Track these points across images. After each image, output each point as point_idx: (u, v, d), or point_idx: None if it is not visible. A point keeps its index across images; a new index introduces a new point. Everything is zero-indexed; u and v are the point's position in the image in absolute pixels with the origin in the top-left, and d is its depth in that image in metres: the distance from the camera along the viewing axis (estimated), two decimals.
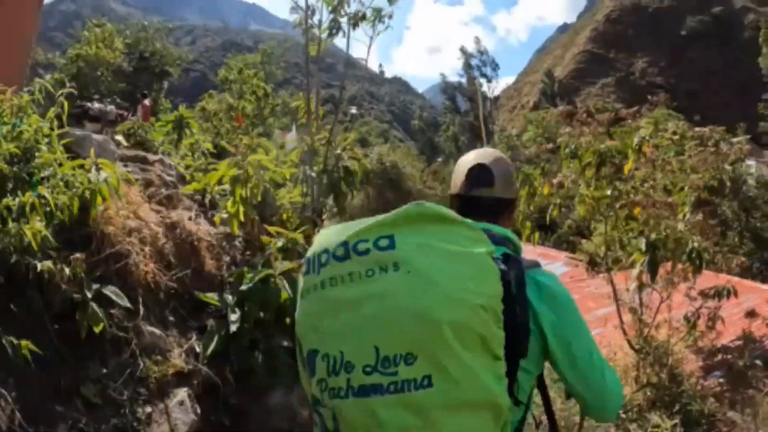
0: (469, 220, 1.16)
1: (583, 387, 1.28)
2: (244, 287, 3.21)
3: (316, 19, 4.68)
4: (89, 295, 2.62)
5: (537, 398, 1.45)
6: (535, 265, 1.31)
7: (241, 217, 3.60)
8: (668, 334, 5.06)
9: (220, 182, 3.82)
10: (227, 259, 3.72)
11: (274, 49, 27.70)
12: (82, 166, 2.94)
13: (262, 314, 3.18)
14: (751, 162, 15.21)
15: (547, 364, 1.33)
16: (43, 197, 2.60)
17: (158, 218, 3.47)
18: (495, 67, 68.91)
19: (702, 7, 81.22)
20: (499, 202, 1.44)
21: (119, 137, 5.58)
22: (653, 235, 4.72)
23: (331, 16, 4.68)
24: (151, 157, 4.34)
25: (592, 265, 5.53)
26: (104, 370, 2.59)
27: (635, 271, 4.78)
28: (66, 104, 3.06)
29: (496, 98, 71.50)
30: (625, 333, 5.09)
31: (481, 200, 1.42)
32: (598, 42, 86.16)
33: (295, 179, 4.40)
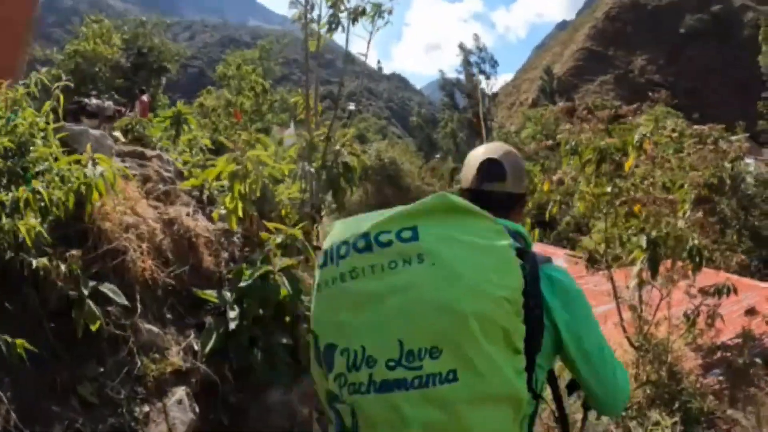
0: (489, 214, 1.15)
1: (595, 382, 1.27)
2: (242, 284, 3.17)
3: (315, 13, 4.65)
4: (86, 292, 2.58)
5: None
6: (548, 260, 1.29)
7: (240, 213, 3.57)
8: (668, 332, 5.06)
9: (218, 178, 3.79)
10: (226, 255, 3.68)
11: (272, 45, 27.61)
12: (78, 161, 2.90)
13: (261, 311, 3.14)
14: (749, 160, 15.23)
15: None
16: (38, 192, 2.54)
17: (156, 214, 3.43)
18: (494, 64, 68.74)
19: (701, 5, 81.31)
20: (510, 196, 1.41)
21: (117, 133, 5.54)
22: (654, 233, 4.71)
23: (331, 11, 4.65)
24: (148, 152, 4.30)
25: (592, 262, 5.52)
26: (101, 369, 2.56)
27: (636, 269, 4.77)
28: (62, 98, 3.02)
29: (495, 95, 71.35)
30: (624, 330, 5.09)
31: (493, 195, 1.39)
32: (597, 39, 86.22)
33: (294, 175, 4.37)
